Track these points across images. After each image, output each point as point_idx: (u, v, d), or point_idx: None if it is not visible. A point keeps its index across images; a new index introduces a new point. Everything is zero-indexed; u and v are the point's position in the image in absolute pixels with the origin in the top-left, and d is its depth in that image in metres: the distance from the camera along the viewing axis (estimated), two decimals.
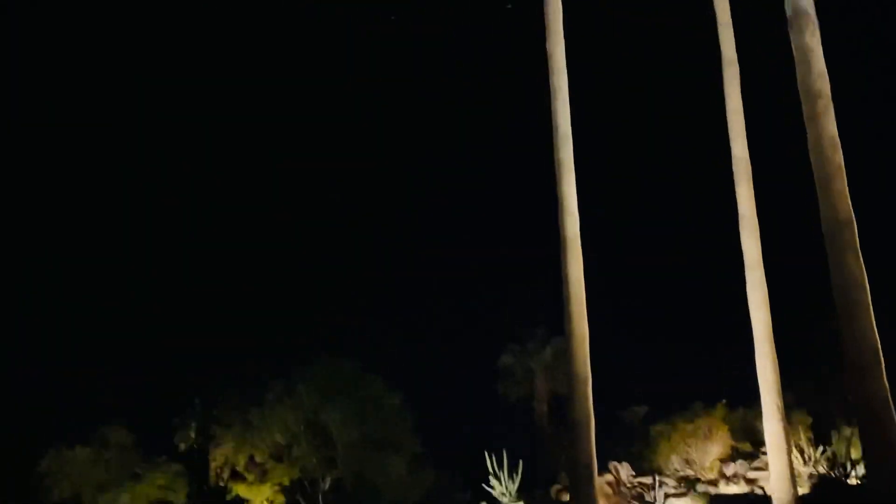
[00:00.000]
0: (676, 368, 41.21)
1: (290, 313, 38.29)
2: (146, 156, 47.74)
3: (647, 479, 34.21)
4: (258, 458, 30.19)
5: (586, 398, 13.65)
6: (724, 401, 35.36)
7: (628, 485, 34.04)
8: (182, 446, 40.41)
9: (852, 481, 28.45)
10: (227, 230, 44.71)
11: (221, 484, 30.40)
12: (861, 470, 27.80)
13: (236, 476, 30.40)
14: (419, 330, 41.60)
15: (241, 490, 30.04)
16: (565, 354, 14.13)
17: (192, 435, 41.88)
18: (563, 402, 40.42)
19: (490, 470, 32.75)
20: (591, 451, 13.39)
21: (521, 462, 32.60)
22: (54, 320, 39.04)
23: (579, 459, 13.38)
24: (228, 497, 30.16)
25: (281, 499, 30.04)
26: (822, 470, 30.03)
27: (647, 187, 46.40)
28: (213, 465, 38.75)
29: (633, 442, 36.42)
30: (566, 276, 14.22)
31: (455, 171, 51.24)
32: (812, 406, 31.52)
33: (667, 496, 32.25)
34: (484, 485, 32.86)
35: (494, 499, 32.54)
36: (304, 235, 45.31)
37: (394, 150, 48.86)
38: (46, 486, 30.66)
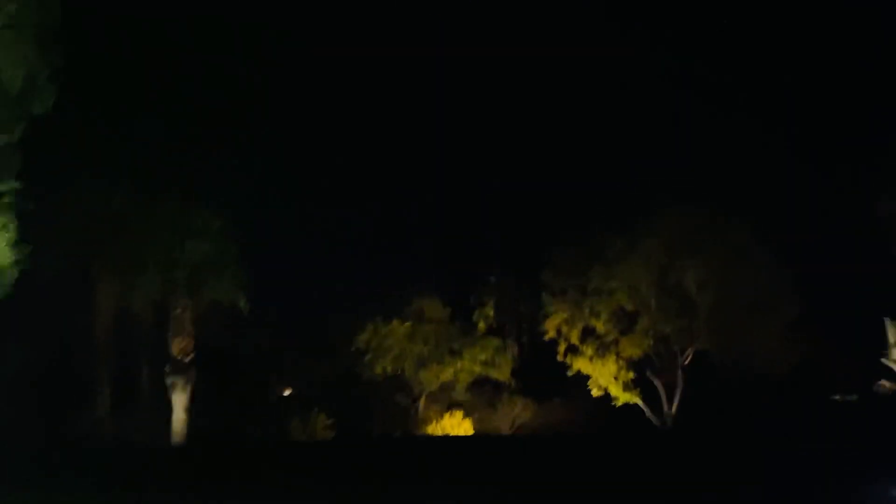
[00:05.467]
0: None
1: (626, 158, 29.12)
2: None
3: None
4: (599, 330, 25.27)
5: None
6: None
7: None
8: (482, 325, 37.13)
9: None
10: None
11: (559, 360, 25.87)
12: None
13: (573, 350, 25.76)
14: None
15: (581, 365, 25.41)
16: None
17: (490, 313, 38.55)
18: None
19: (892, 341, 25.68)
20: None
21: None
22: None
23: None
24: (569, 374, 25.62)
25: (628, 375, 25.06)
26: None
27: None
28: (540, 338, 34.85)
29: None
30: None
31: None
32: None
33: None
34: (883, 359, 25.90)
35: None
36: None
37: None
38: (367, 362, 28.06)
